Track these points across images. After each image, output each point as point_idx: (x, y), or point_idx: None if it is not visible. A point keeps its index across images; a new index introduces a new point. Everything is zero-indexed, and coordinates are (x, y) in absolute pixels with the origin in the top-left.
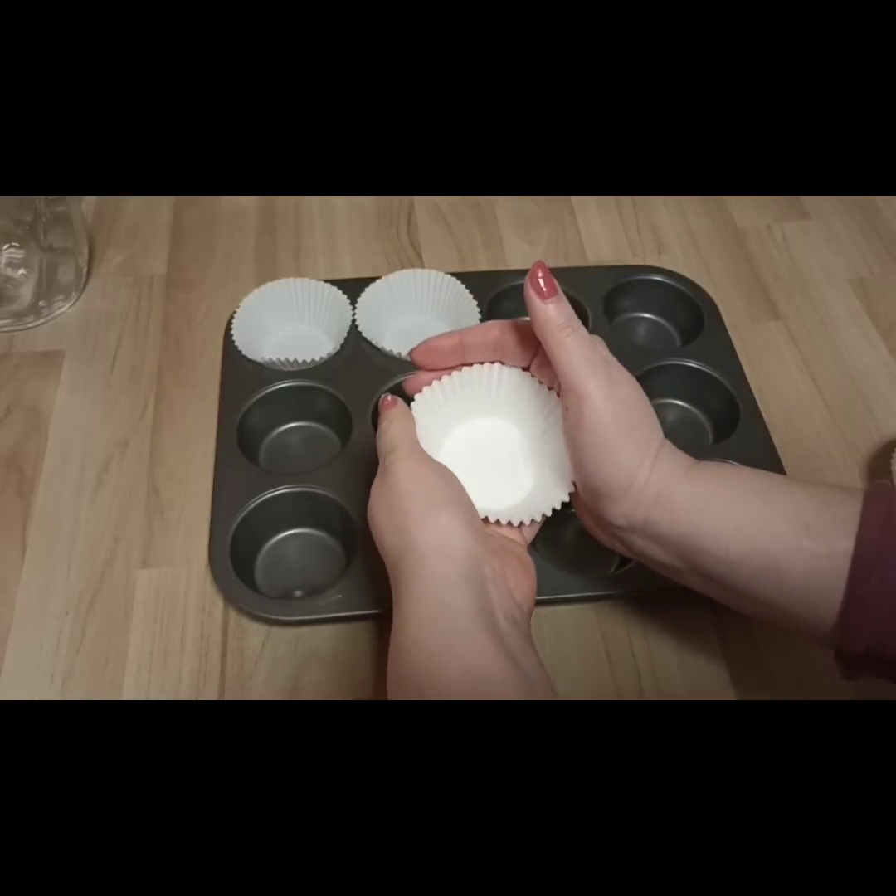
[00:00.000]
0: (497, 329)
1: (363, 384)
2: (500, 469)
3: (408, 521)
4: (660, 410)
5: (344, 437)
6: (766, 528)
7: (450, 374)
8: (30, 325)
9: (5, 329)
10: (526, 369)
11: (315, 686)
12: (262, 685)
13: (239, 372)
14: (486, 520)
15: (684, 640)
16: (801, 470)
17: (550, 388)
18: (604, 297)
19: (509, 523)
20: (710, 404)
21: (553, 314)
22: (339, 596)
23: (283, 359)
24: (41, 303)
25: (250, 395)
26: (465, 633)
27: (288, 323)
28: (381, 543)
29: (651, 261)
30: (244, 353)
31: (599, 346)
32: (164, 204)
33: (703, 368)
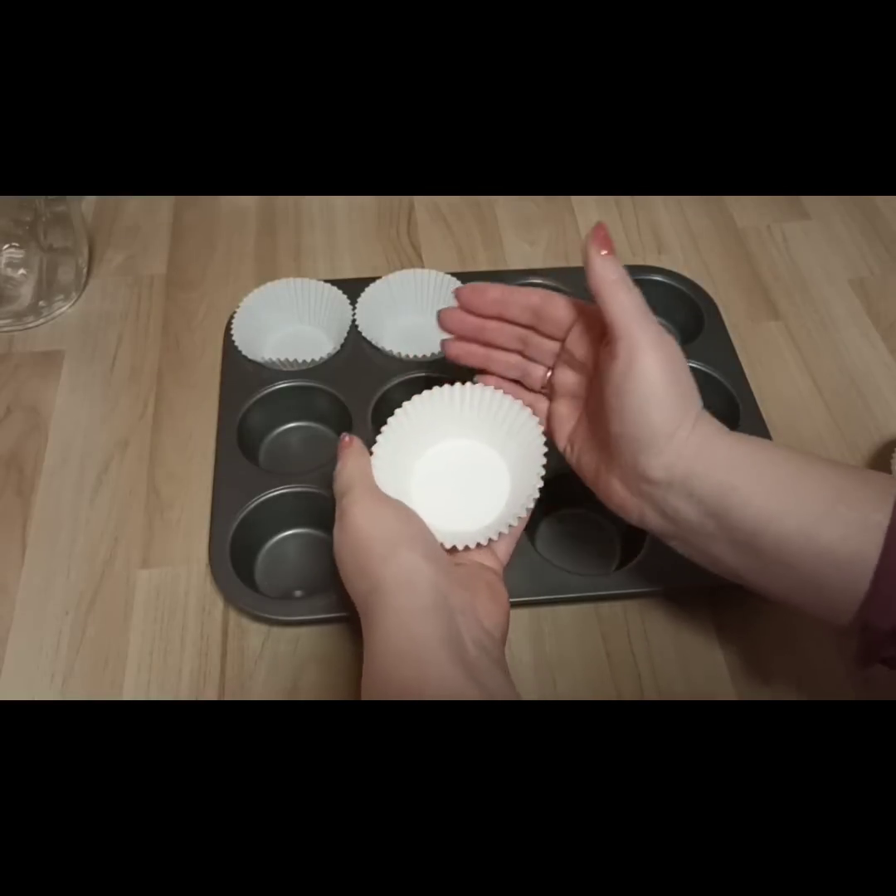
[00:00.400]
0: (538, 296)
1: (363, 384)
2: (473, 490)
3: (370, 561)
4: None
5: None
6: (802, 489)
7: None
8: (30, 325)
9: (5, 329)
10: (561, 341)
11: (315, 686)
12: (262, 685)
13: (239, 372)
14: (454, 549)
15: (684, 640)
16: None
17: (513, 400)
18: None
19: (479, 544)
20: (710, 404)
21: (611, 266)
22: (339, 596)
23: (283, 359)
24: (41, 303)
25: (250, 395)
26: (433, 663)
27: (288, 323)
28: (348, 585)
29: (651, 261)
30: (244, 353)
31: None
32: (164, 204)
33: (703, 368)
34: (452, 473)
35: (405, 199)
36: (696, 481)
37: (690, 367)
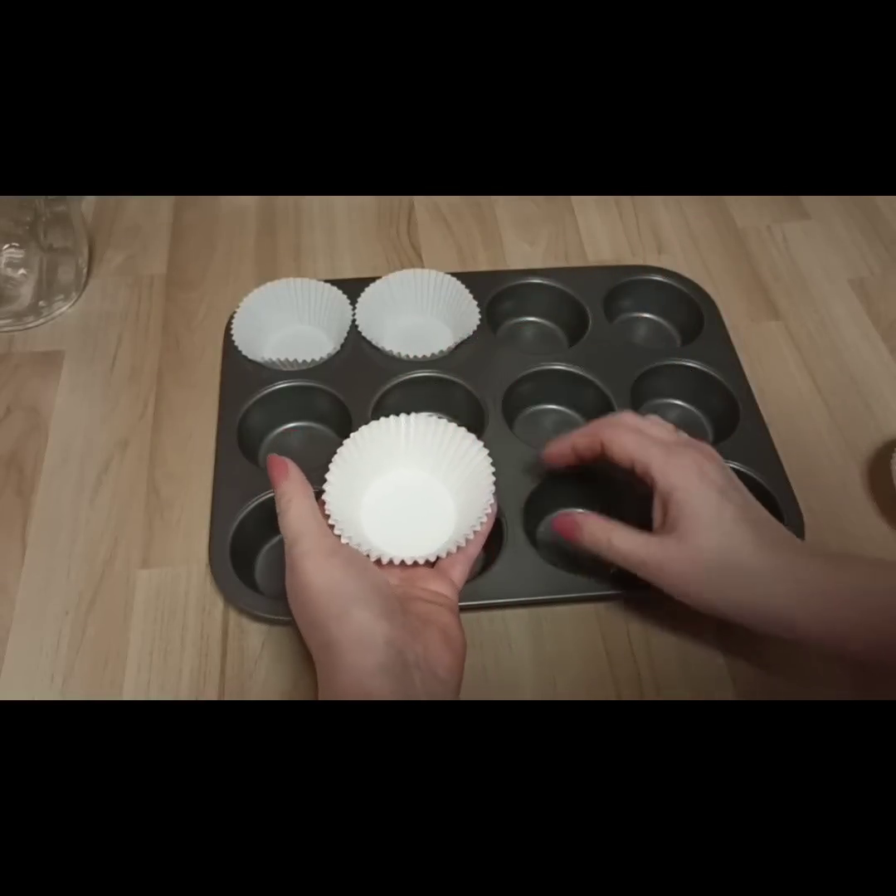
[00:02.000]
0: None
1: (363, 384)
2: (421, 518)
3: (324, 619)
4: (660, 410)
5: (344, 437)
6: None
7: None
8: (30, 325)
9: (5, 329)
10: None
11: (315, 686)
12: (262, 685)
13: (239, 372)
14: (404, 564)
15: (684, 640)
16: (801, 470)
17: (457, 428)
18: (604, 298)
19: (434, 561)
20: (710, 404)
21: (587, 545)
22: None
23: (283, 359)
24: (41, 303)
25: (250, 395)
26: None
27: (288, 323)
28: (303, 631)
29: (651, 261)
30: (244, 353)
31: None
32: (164, 204)
33: (703, 368)
34: (400, 502)
35: (405, 199)
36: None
37: (691, 366)
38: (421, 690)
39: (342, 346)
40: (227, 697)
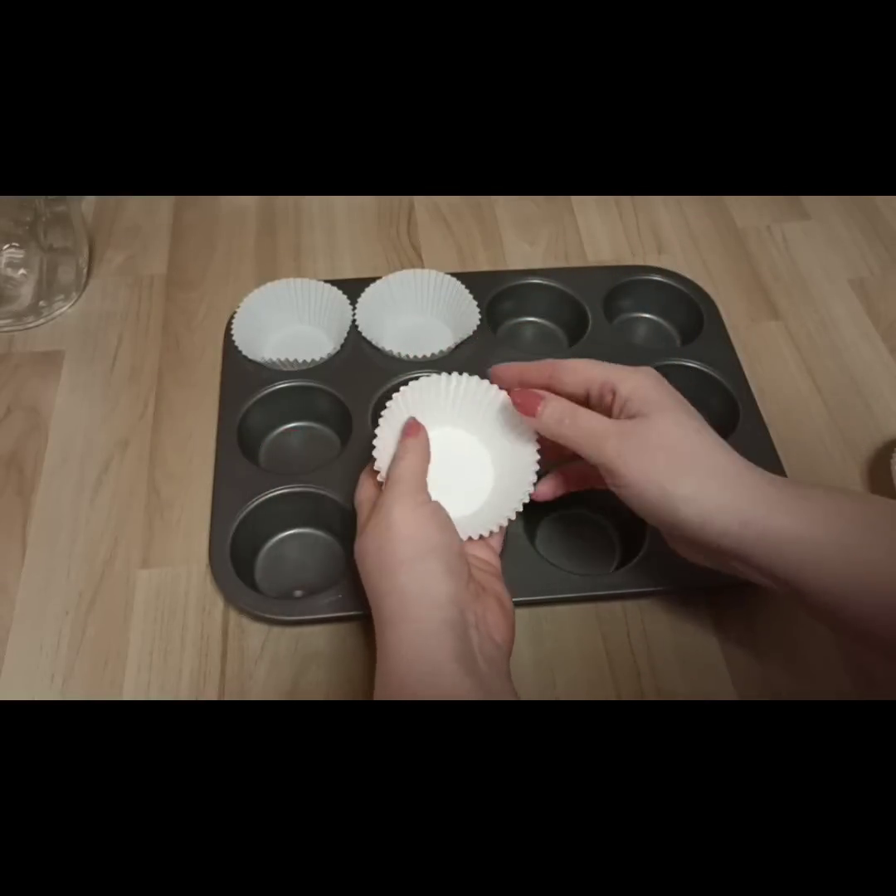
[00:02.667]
0: (549, 368)
1: (363, 384)
2: (462, 477)
3: (396, 563)
4: None
5: (344, 437)
6: (876, 561)
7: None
8: (30, 325)
9: (5, 329)
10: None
11: (315, 686)
12: (262, 685)
13: (239, 372)
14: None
15: (684, 640)
16: (801, 470)
17: (501, 389)
18: (603, 298)
19: (472, 538)
20: (710, 404)
21: (546, 423)
22: (339, 596)
23: (283, 359)
24: (41, 303)
25: (250, 395)
26: (446, 675)
27: (288, 323)
28: (367, 578)
29: (651, 261)
30: (244, 353)
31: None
32: (164, 204)
33: (702, 368)
34: (443, 461)
35: (405, 199)
36: (748, 555)
37: (691, 366)
38: (478, 652)
39: (342, 346)
40: (227, 697)
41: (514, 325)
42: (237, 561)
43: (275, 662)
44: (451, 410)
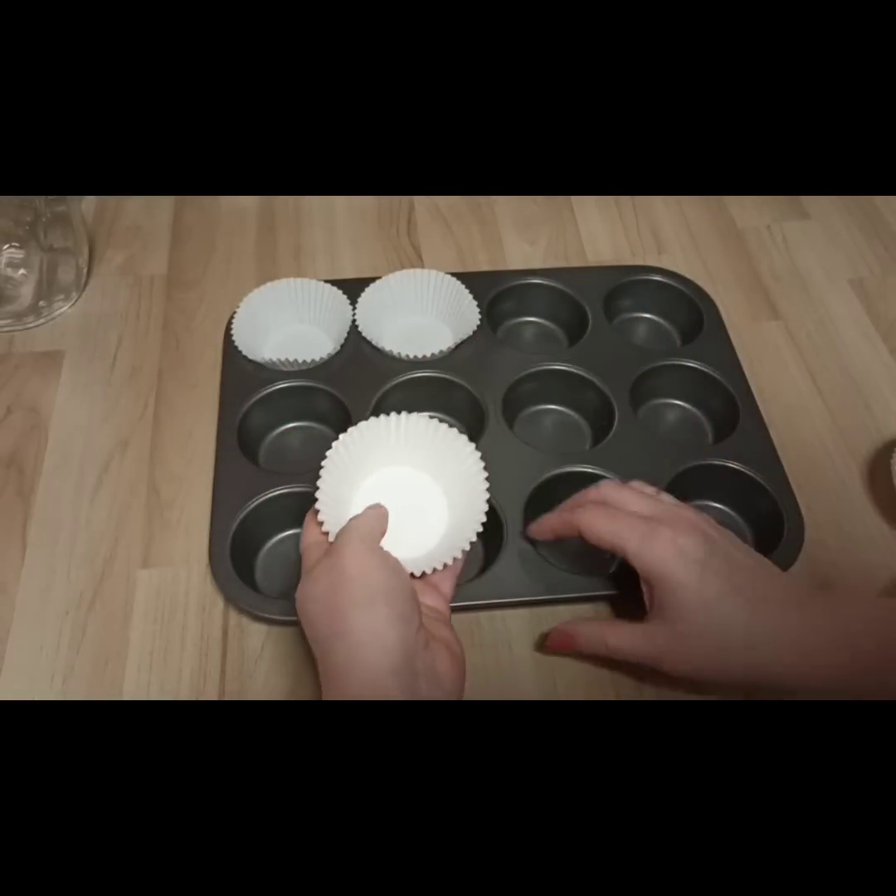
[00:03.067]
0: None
1: (363, 384)
2: (413, 517)
3: (347, 605)
4: (660, 410)
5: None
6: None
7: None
8: (30, 325)
9: (5, 329)
10: None
11: (315, 686)
12: (262, 685)
13: (239, 372)
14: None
15: None
16: (801, 470)
17: (449, 427)
18: (604, 298)
19: (424, 573)
20: (709, 404)
21: (586, 649)
22: None
23: (282, 359)
24: (41, 303)
25: (250, 396)
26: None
27: (288, 323)
28: (312, 622)
29: (651, 261)
30: (244, 353)
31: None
32: (164, 204)
33: (702, 368)
34: (393, 500)
35: (405, 199)
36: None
37: (691, 366)
38: (426, 699)
39: (342, 346)
40: (227, 697)
41: (513, 325)
42: (237, 561)
43: (275, 662)
44: (397, 450)
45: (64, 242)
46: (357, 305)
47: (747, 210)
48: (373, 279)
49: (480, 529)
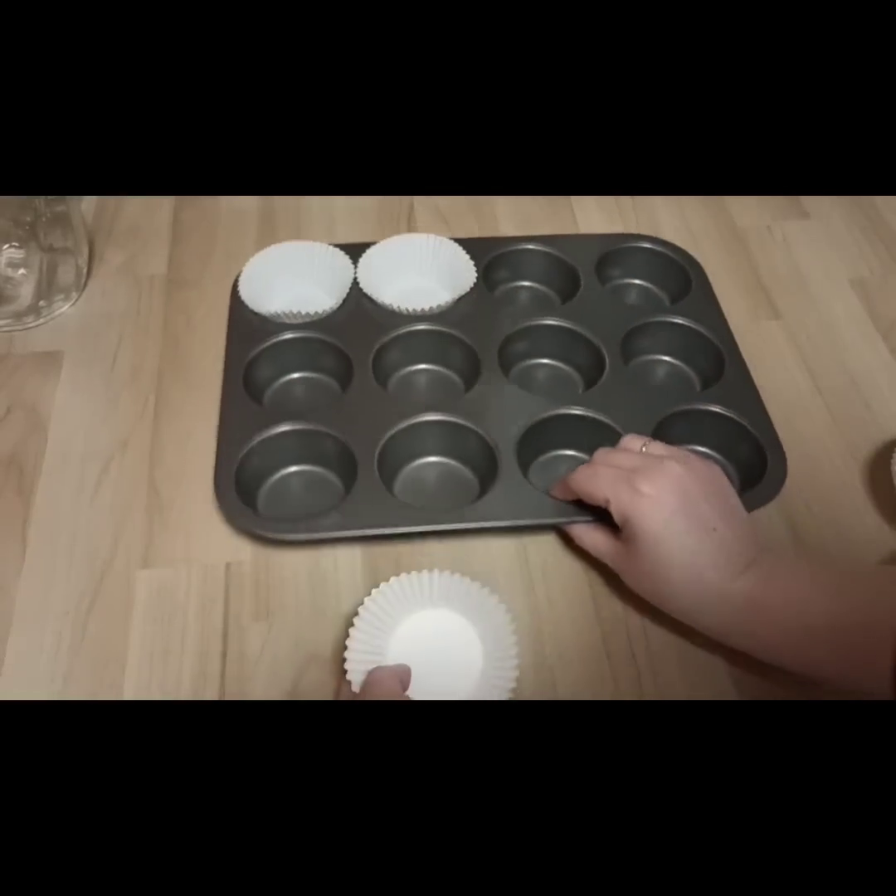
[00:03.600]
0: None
1: (364, 336)
2: (449, 658)
3: None
4: (649, 366)
5: (345, 387)
6: (819, 628)
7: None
8: (30, 325)
9: (5, 329)
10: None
11: (315, 686)
12: (262, 685)
13: (245, 324)
14: None
15: (684, 640)
16: (801, 470)
17: (481, 586)
18: (595, 263)
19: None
20: (696, 360)
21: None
22: (338, 517)
23: (287, 311)
24: (41, 303)
25: (255, 346)
26: None
27: (292, 282)
28: None
29: None
30: (250, 306)
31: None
32: (164, 204)
33: (691, 325)
34: (425, 648)
35: (405, 199)
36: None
37: (678, 322)
38: None
39: (344, 301)
40: (227, 698)
41: (509, 289)
42: (241, 493)
43: (275, 662)
44: (430, 597)
45: (64, 242)
46: (358, 266)
47: (747, 210)
48: (373, 242)
49: (514, 686)
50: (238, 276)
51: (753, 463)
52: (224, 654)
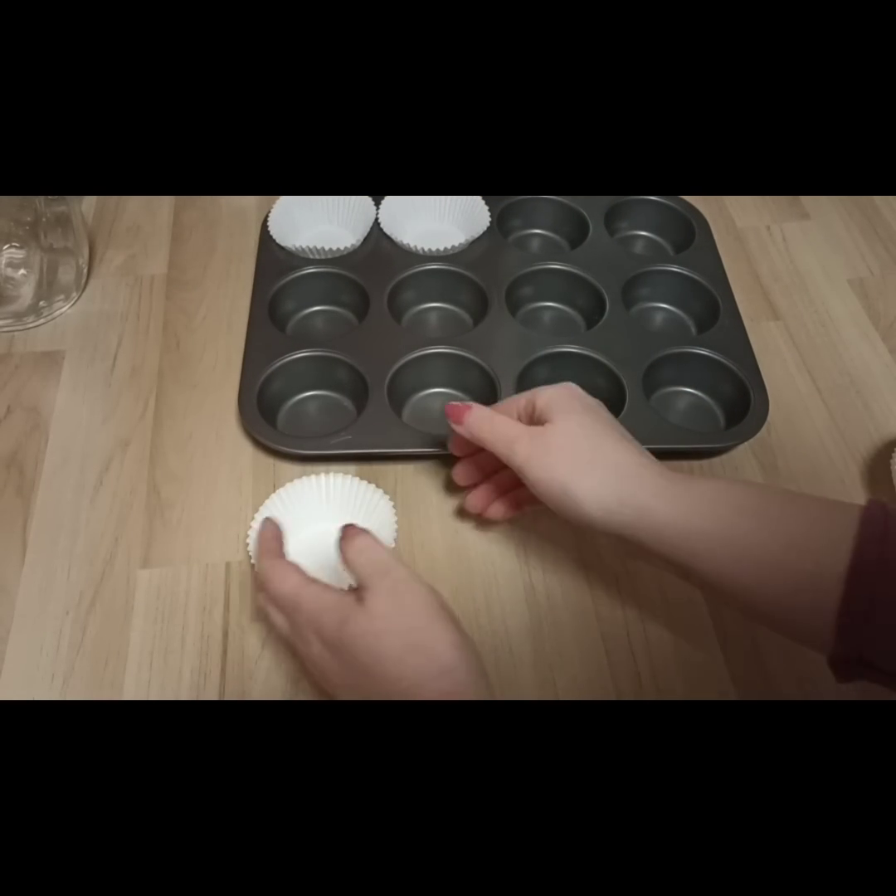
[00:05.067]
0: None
1: (382, 273)
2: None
3: (443, 641)
4: (649, 312)
5: (362, 320)
6: (750, 547)
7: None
8: (30, 325)
9: (5, 329)
10: None
11: (315, 686)
12: (262, 685)
13: (272, 258)
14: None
15: (684, 640)
16: (801, 470)
17: (368, 483)
18: (604, 214)
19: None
20: (694, 307)
21: (468, 428)
22: (349, 436)
23: (311, 246)
24: (41, 303)
25: (281, 278)
26: None
27: (318, 222)
28: (383, 668)
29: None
30: (278, 241)
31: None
32: (164, 204)
33: (691, 275)
34: (318, 554)
35: None
36: (643, 542)
37: (677, 271)
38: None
39: (365, 240)
40: (227, 697)
41: (521, 237)
42: (263, 412)
43: (275, 662)
44: (324, 506)
45: (64, 242)
46: (380, 208)
47: (747, 210)
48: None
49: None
50: (268, 213)
51: (737, 401)
52: (224, 654)
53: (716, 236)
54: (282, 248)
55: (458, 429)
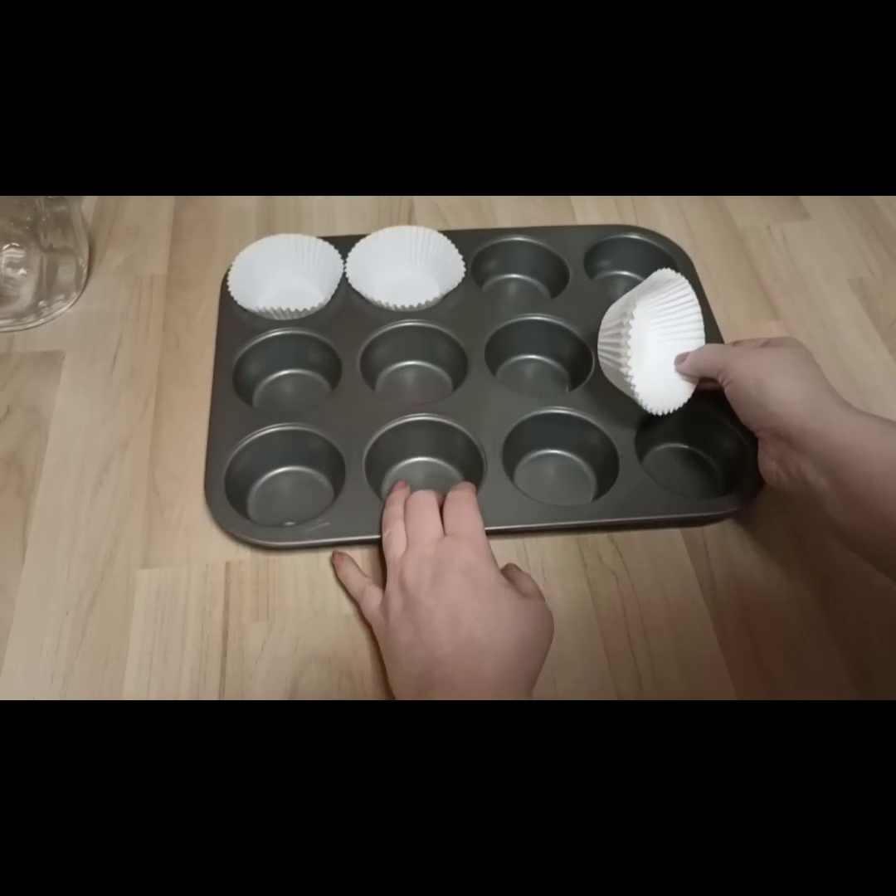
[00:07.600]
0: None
1: (353, 333)
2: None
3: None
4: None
5: (333, 384)
6: None
7: None
8: (30, 325)
9: (5, 329)
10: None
11: (315, 686)
12: (262, 685)
13: (234, 321)
14: None
15: (684, 640)
16: None
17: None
18: (584, 255)
19: None
20: None
21: (690, 362)
22: (327, 523)
23: (276, 308)
24: (41, 303)
25: (245, 343)
26: None
27: (282, 276)
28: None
29: None
30: (239, 303)
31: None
32: (164, 204)
33: None
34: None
35: (405, 199)
36: (809, 439)
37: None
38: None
39: (333, 296)
40: (227, 698)
41: (498, 282)
42: (232, 495)
43: (275, 662)
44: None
45: (64, 242)
46: (348, 259)
47: (747, 210)
48: (363, 235)
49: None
50: (227, 272)
51: (736, 461)
52: (224, 654)
53: (716, 236)
54: (244, 311)
55: (683, 367)
